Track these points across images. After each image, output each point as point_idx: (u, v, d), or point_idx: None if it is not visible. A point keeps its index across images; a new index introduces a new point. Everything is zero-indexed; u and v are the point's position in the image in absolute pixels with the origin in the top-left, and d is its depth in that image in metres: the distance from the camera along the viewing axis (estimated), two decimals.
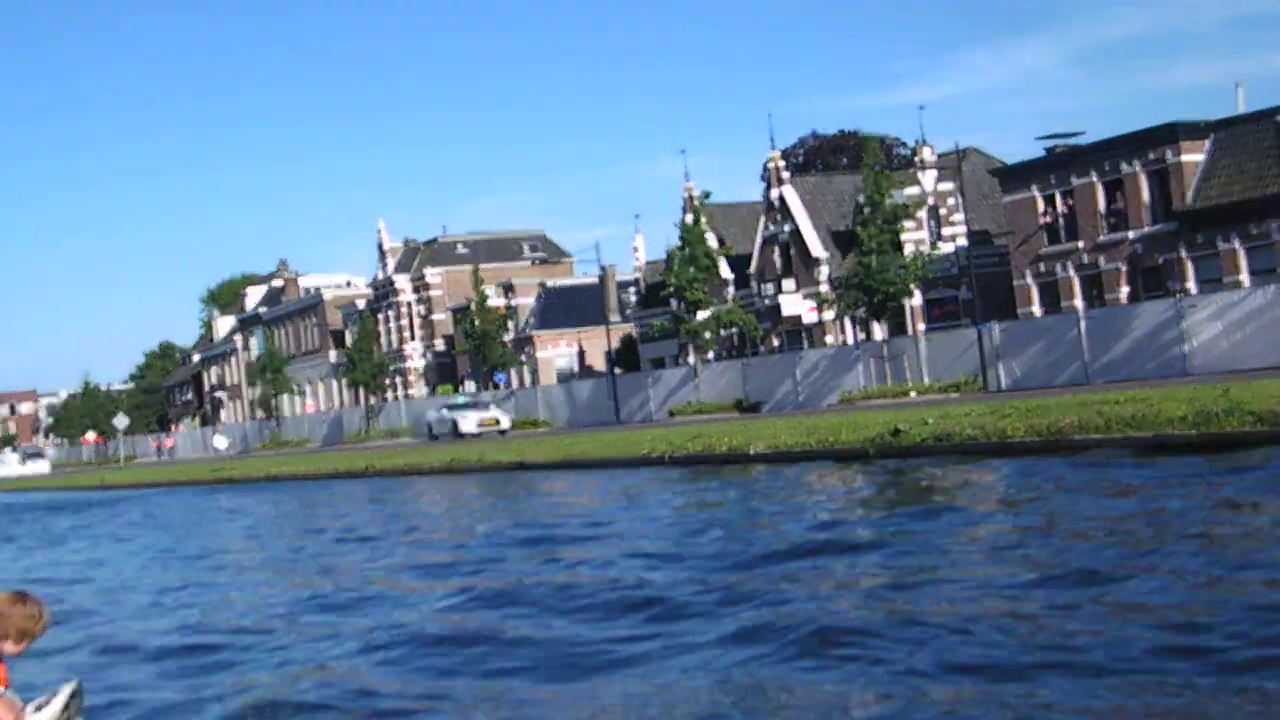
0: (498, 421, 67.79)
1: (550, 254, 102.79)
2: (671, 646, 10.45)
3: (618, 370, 75.33)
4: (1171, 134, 55.05)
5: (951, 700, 8.12)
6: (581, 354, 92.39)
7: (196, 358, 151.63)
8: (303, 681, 10.58)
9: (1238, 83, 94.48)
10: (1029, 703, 7.93)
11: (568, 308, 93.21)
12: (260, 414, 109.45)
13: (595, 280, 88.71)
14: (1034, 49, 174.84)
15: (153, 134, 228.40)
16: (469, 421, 67.34)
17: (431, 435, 71.12)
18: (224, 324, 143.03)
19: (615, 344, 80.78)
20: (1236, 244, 52.65)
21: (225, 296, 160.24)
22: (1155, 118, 64.84)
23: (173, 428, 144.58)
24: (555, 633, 11.58)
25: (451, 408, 71.47)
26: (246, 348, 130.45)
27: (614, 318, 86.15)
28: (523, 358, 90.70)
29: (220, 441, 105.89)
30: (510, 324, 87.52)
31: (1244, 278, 51.57)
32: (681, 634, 10.92)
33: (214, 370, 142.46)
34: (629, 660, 10.21)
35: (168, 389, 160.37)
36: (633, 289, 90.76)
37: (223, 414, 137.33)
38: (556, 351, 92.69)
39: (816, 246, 70.34)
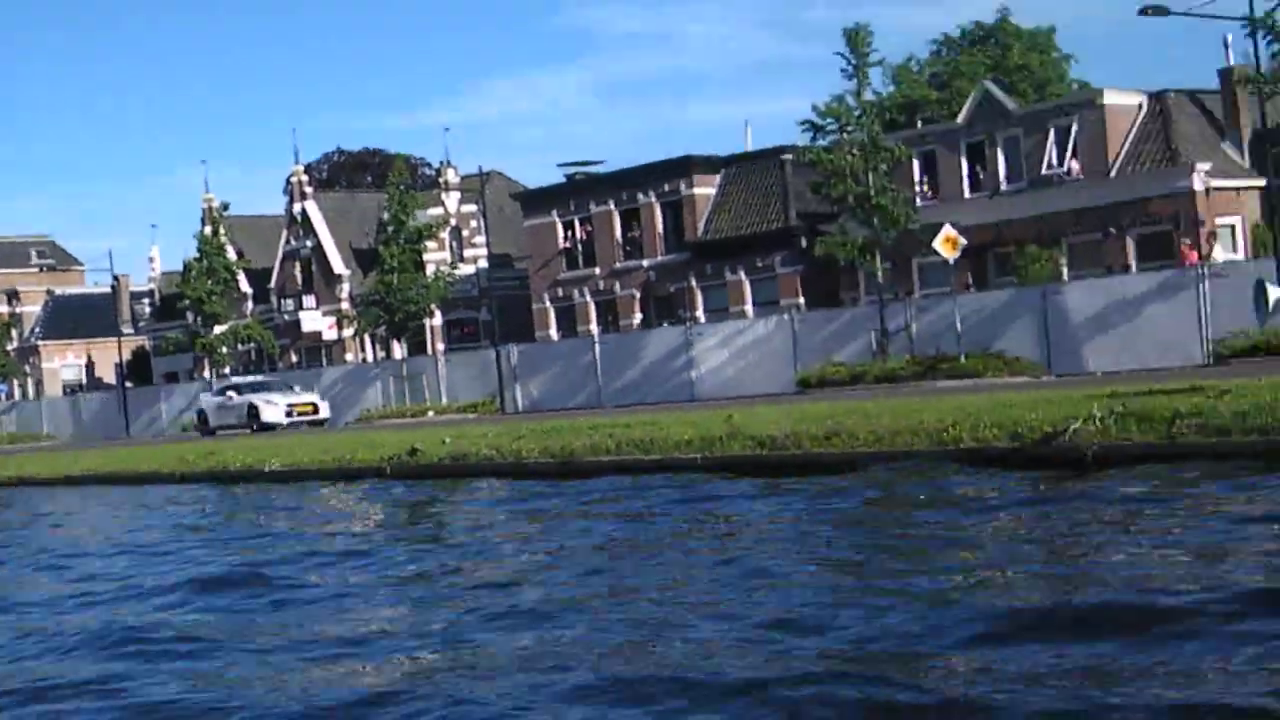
0: (315, 408, 51.41)
1: (59, 261, 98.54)
2: None
3: (128, 384, 72.77)
4: (685, 167, 57.30)
5: None
6: (90, 366, 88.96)
7: None
8: None
9: (746, 121, 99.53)
10: None
11: (77, 318, 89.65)
12: None
13: (107, 290, 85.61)
14: (558, 80, 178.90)
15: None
16: (275, 409, 50.37)
17: (205, 429, 52.85)
18: None
19: (127, 356, 78.03)
20: (742, 275, 55.24)
21: None
22: (675, 150, 67.79)
23: None
24: None
25: (242, 389, 53.27)
26: None
27: (126, 329, 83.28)
28: (26, 368, 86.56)
29: None
30: (14, 333, 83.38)
31: (748, 308, 54.15)
32: None
33: None
34: None
35: None
36: (147, 300, 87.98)
37: None
38: (64, 363, 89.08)
39: (338, 263, 69.91)
